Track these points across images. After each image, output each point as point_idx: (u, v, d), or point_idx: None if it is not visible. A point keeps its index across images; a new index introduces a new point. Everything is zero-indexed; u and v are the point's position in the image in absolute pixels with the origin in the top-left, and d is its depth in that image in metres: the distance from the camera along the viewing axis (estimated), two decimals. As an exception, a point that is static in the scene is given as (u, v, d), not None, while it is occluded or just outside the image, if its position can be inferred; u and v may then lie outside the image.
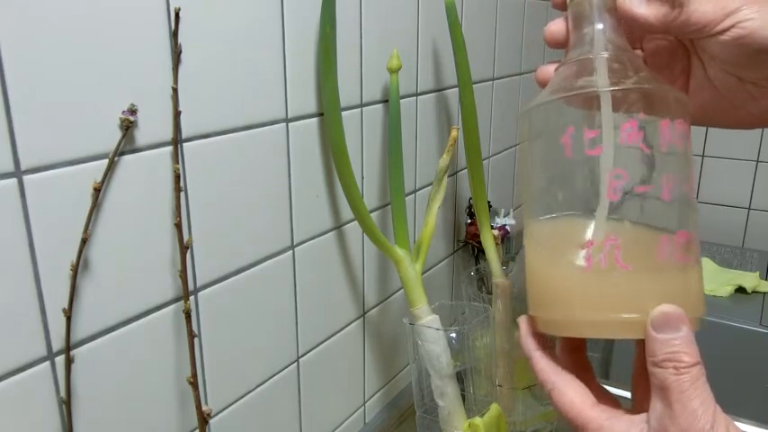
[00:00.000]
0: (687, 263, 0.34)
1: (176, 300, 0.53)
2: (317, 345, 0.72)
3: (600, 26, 0.36)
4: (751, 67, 0.34)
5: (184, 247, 0.51)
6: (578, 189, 0.36)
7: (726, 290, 1.34)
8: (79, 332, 0.46)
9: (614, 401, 0.35)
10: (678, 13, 0.33)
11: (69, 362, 0.45)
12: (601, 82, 0.34)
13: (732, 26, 0.32)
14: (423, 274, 0.76)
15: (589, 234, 0.34)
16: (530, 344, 0.37)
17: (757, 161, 1.70)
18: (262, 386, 0.65)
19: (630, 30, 0.37)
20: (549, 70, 0.38)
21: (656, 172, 0.34)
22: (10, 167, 0.41)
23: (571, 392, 0.34)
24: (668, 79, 0.38)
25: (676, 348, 0.31)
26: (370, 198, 0.77)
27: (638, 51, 0.39)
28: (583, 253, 0.34)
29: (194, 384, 0.52)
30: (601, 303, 0.34)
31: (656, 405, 0.31)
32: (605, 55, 0.35)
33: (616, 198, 0.34)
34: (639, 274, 0.33)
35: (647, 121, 0.34)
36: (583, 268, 0.34)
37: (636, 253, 0.33)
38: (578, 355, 0.38)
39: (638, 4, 0.34)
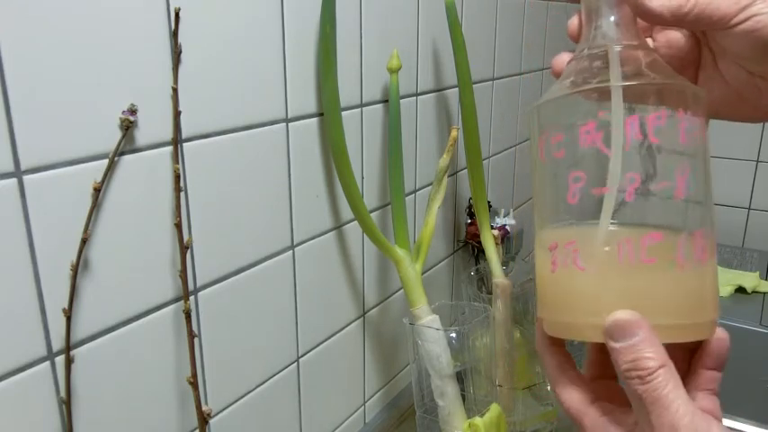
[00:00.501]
0: (661, 264, 0.32)
1: (176, 300, 0.53)
2: (317, 345, 0.72)
3: (611, 19, 0.35)
4: (762, 61, 0.34)
5: (184, 247, 0.51)
6: (552, 193, 0.35)
7: (726, 290, 1.34)
8: (79, 332, 0.46)
9: (627, 403, 0.35)
10: (692, 6, 0.33)
11: (69, 362, 0.45)
12: (612, 76, 0.33)
13: (746, 20, 0.32)
14: (423, 274, 0.76)
15: (554, 237, 0.34)
16: (541, 342, 0.37)
17: (757, 161, 1.70)
18: (262, 386, 0.65)
19: (641, 21, 0.36)
20: (563, 60, 0.38)
21: (615, 172, 0.33)
22: (10, 167, 0.41)
23: (571, 389, 0.35)
24: (678, 70, 0.38)
25: (637, 354, 0.30)
26: (370, 198, 0.77)
27: (649, 40, 0.39)
28: (550, 255, 0.34)
29: (194, 384, 0.52)
30: (566, 306, 0.34)
31: (636, 412, 0.31)
32: (617, 48, 0.34)
33: (574, 201, 0.33)
34: (596, 276, 0.33)
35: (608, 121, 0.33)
36: (551, 271, 0.34)
37: (596, 255, 0.33)
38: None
39: None
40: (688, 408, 0.29)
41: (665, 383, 0.29)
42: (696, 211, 0.33)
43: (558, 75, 0.38)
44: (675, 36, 0.38)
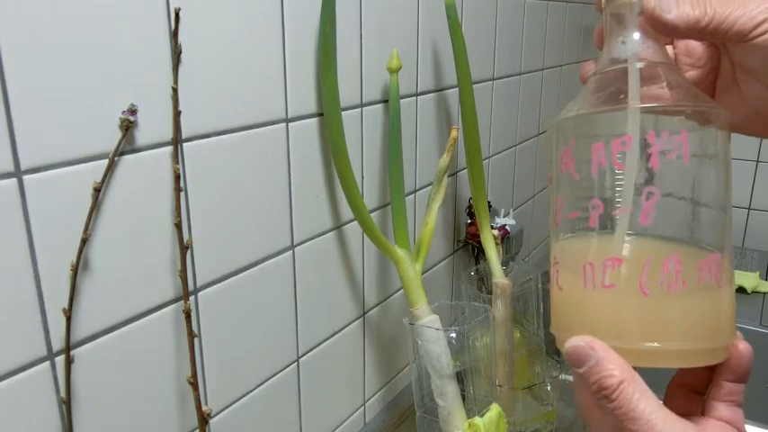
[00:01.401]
0: (621, 290, 0.31)
1: (176, 300, 0.53)
2: (317, 345, 0.72)
3: (632, 31, 0.34)
4: None
5: (184, 247, 0.51)
6: (551, 214, 0.37)
7: (726, 290, 1.34)
8: (79, 332, 0.46)
9: None
10: (709, 20, 0.33)
11: (69, 362, 0.45)
12: (631, 95, 0.33)
13: (762, 34, 0.32)
14: (423, 274, 0.76)
15: (552, 255, 0.36)
16: None
17: (757, 161, 1.70)
18: (262, 386, 0.65)
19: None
20: (588, 70, 0.38)
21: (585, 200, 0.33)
22: (10, 167, 0.41)
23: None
24: (696, 78, 0.38)
25: (598, 375, 0.31)
26: (370, 198, 0.77)
27: (669, 47, 0.38)
28: (549, 272, 0.36)
29: (194, 384, 0.52)
30: (554, 322, 0.36)
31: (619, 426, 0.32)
32: (640, 65, 0.33)
33: (557, 224, 0.35)
34: (568, 297, 0.34)
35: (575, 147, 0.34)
36: (549, 286, 0.36)
37: (567, 277, 0.34)
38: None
39: (667, 9, 0.33)
40: (659, 415, 0.30)
41: (630, 396, 0.30)
42: (674, 236, 0.33)
43: (585, 82, 0.38)
44: (695, 44, 0.38)
